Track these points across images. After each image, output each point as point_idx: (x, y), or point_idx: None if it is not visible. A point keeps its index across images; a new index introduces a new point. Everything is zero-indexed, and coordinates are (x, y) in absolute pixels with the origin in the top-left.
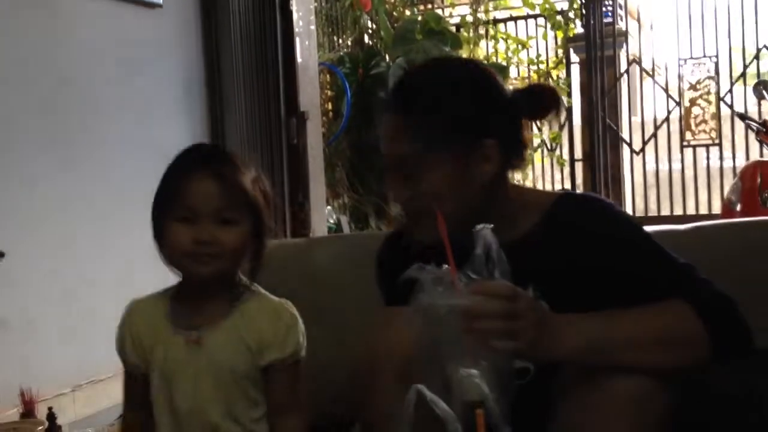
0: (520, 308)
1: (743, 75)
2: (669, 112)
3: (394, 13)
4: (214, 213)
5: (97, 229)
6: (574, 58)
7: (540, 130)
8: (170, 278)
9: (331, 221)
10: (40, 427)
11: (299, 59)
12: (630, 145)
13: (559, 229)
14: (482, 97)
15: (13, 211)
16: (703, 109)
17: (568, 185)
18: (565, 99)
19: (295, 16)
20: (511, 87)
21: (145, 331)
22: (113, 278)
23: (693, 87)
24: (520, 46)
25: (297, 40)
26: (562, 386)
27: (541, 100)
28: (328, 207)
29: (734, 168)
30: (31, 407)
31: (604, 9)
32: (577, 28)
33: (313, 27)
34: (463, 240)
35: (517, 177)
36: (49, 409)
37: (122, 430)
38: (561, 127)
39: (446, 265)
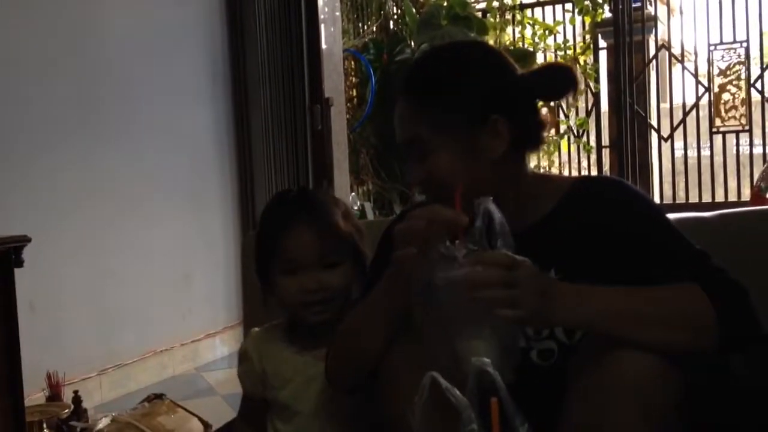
0: (520, 276)
1: None
2: (698, 98)
3: None
4: (317, 260)
5: (122, 215)
6: (602, 43)
7: (567, 116)
8: (192, 263)
9: (355, 208)
10: (66, 410)
11: (324, 46)
12: (658, 131)
13: (577, 210)
14: (488, 76)
15: (41, 197)
16: (733, 95)
17: (595, 172)
18: (592, 85)
19: (320, 2)
20: None
21: (268, 358)
22: (139, 264)
23: (723, 73)
24: (547, 32)
25: (322, 27)
26: (575, 366)
27: (556, 80)
28: (353, 193)
29: (764, 155)
30: (57, 390)
31: None
32: (605, 13)
33: (338, 13)
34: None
35: (543, 163)
36: (75, 392)
37: None
38: (588, 114)
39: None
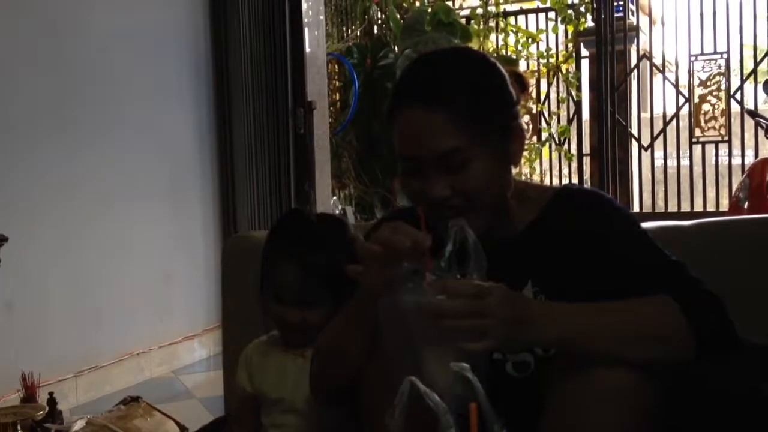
0: (489, 305)
1: (754, 72)
2: (678, 108)
3: (404, 4)
4: (299, 297)
5: (101, 215)
6: (584, 52)
7: (548, 124)
8: (171, 265)
9: (337, 211)
10: (41, 412)
11: (308, 49)
12: (639, 140)
13: (556, 221)
14: (502, 83)
15: (19, 196)
16: (712, 105)
17: (575, 180)
18: (574, 93)
19: (304, 5)
20: None
21: (258, 361)
22: (117, 265)
23: (703, 83)
24: (529, 40)
25: (306, 30)
26: (551, 379)
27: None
28: (334, 197)
29: (743, 165)
30: (32, 392)
31: (615, 3)
32: (588, 22)
33: (322, 17)
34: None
35: (524, 171)
36: (50, 394)
37: None
38: (569, 122)
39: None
